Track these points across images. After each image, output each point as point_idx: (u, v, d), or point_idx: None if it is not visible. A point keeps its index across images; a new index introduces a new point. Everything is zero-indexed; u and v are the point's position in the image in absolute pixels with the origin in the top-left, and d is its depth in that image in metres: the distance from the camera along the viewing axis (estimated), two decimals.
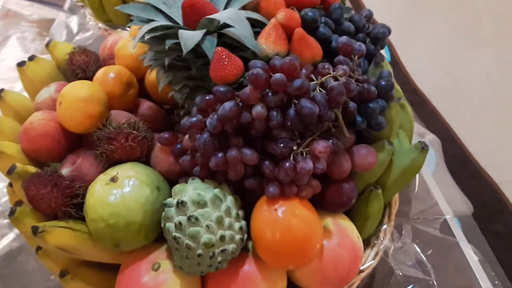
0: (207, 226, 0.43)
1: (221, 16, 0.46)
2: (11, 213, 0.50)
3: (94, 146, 0.52)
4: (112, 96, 0.59)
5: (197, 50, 0.46)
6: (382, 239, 0.55)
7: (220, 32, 0.47)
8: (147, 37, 0.46)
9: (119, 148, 0.51)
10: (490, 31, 1.33)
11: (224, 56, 0.45)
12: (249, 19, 0.48)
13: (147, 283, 0.46)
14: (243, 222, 0.47)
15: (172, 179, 0.52)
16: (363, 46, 0.50)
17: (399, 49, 1.26)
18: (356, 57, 0.49)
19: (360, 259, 0.50)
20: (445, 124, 1.10)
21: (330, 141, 0.45)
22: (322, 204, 0.50)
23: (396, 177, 0.53)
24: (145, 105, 0.64)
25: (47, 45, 0.70)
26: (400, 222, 0.62)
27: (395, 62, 1.17)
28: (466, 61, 1.25)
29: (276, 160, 0.46)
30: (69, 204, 0.49)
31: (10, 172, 0.51)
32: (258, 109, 0.43)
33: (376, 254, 0.54)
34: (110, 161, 0.52)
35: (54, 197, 0.48)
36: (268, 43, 0.48)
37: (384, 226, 0.55)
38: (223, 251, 0.44)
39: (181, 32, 0.45)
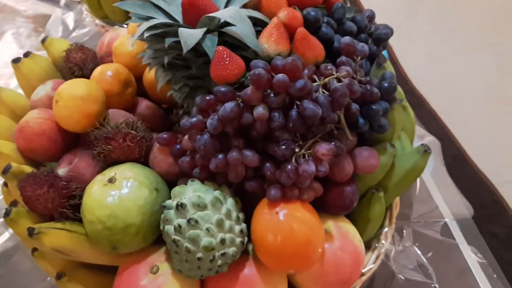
0: (207, 229, 0.43)
1: (222, 14, 0.46)
2: (6, 214, 0.49)
3: (92, 146, 0.51)
4: (110, 94, 0.58)
5: (198, 49, 0.45)
6: (383, 242, 0.54)
7: (220, 31, 0.46)
8: (146, 35, 0.46)
9: (117, 148, 0.50)
10: (489, 33, 1.33)
11: (225, 56, 0.44)
12: (250, 17, 0.47)
13: (145, 286, 0.45)
14: (244, 225, 0.46)
15: (171, 180, 0.52)
16: (366, 47, 0.49)
17: (397, 49, 1.26)
18: (359, 58, 0.49)
19: (361, 262, 0.49)
20: (442, 125, 1.10)
21: (333, 143, 0.45)
22: (323, 206, 0.50)
23: (398, 180, 0.52)
24: (143, 104, 0.63)
25: (43, 41, 0.69)
26: (401, 225, 0.61)
27: (393, 62, 1.17)
28: (464, 62, 1.25)
29: (277, 162, 0.45)
30: (65, 205, 0.48)
31: (5, 172, 0.50)
32: (260, 110, 0.43)
33: (377, 257, 0.53)
34: (107, 161, 0.51)
35: (51, 198, 0.47)
36: (270, 42, 0.47)
37: (385, 229, 0.55)
38: (223, 254, 0.43)
39: (182, 31, 0.44)
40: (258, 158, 0.45)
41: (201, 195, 0.44)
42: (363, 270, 0.52)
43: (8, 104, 0.63)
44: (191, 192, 0.45)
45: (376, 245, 0.54)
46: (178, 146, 0.51)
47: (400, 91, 0.58)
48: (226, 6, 0.50)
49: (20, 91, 0.67)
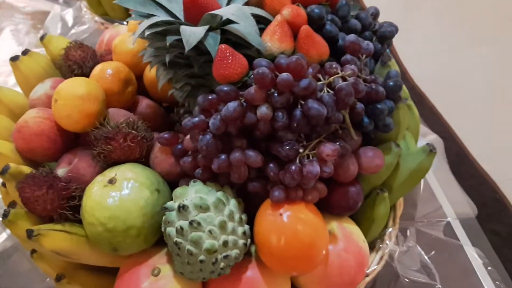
0: (210, 231, 0.42)
1: (225, 11, 0.45)
2: (5, 215, 0.48)
3: (92, 146, 0.50)
4: (110, 93, 0.57)
5: (200, 47, 0.44)
6: (387, 242, 0.53)
7: (223, 29, 0.45)
8: (147, 32, 0.45)
9: (117, 148, 0.49)
10: (490, 29, 1.32)
11: (228, 54, 0.43)
12: (253, 15, 0.46)
13: None
14: (247, 227, 0.46)
15: (172, 180, 0.51)
16: (370, 45, 0.49)
17: (398, 47, 1.25)
18: (364, 56, 0.48)
19: (366, 264, 0.49)
20: (443, 122, 1.09)
21: (337, 143, 0.44)
22: (327, 207, 0.49)
23: (403, 180, 0.52)
24: (144, 103, 0.62)
25: (41, 38, 0.68)
26: (405, 225, 0.61)
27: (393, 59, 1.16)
28: (465, 59, 1.24)
29: (281, 162, 0.44)
30: (65, 206, 0.47)
31: (3, 172, 0.49)
32: (263, 110, 0.42)
33: (381, 258, 0.53)
34: (108, 162, 0.51)
35: (50, 199, 0.46)
36: (273, 40, 0.46)
37: (389, 229, 0.54)
38: (226, 257, 0.43)
39: (183, 28, 0.43)
40: (262, 158, 0.44)
41: (203, 196, 0.43)
42: (367, 271, 0.51)
43: (6, 103, 0.62)
44: (193, 193, 0.44)
45: (380, 245, 0.54)
46: (179, 146, 0.50)
47: (404, 90, 0.57)
48: (228, 4, 0.49)
49: (19, 89, 0.66)
